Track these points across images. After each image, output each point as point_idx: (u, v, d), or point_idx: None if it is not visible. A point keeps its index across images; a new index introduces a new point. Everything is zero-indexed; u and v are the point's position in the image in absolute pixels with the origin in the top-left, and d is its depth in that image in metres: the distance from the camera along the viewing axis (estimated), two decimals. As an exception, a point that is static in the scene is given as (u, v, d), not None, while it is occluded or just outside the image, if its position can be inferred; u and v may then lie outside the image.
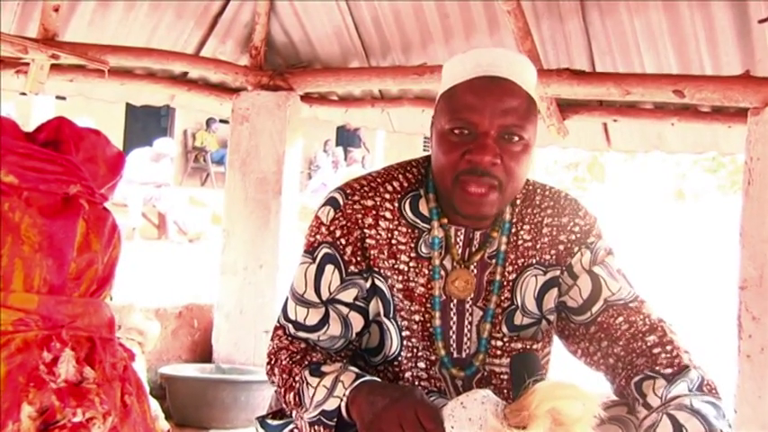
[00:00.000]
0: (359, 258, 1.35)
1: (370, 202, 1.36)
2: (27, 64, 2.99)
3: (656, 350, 1.29)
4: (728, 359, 2.65)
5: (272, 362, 1.37)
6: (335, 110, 3.77)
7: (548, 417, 1.06)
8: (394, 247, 1.36)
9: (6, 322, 1.32)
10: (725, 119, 2.89)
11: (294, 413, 1.34)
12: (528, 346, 1.38)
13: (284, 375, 1.33)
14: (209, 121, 12.18)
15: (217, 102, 3.73)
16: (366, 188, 1.37)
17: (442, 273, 1.36)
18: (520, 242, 1.39)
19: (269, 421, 1.43)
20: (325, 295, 1.36)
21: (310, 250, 1.37)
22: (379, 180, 1.39)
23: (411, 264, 1.36)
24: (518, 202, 1.40)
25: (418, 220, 1.37)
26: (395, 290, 1.36)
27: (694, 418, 1.16)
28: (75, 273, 1.39)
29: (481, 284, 1.37)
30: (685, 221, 12.63)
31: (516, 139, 1.29)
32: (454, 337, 1.37)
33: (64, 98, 6.58)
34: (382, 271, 1.36)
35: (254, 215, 3.50)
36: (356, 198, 1.36)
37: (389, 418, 1.15)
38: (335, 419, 1.24)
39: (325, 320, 1.36)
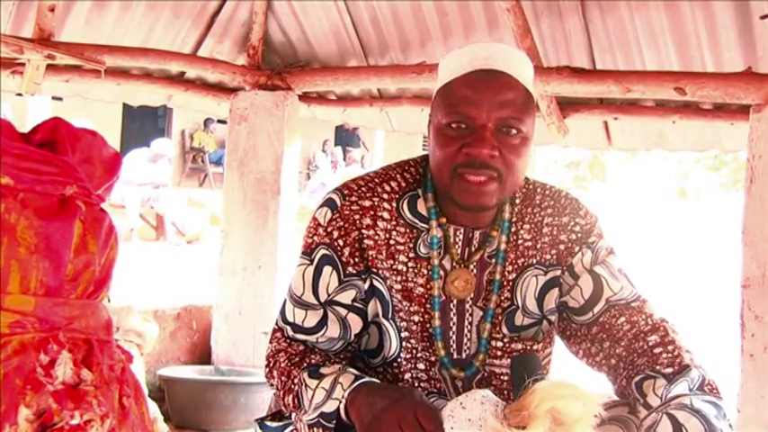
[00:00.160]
0: (357, 259, 1.35)
1: (367, 203, 1.36)
2: (23, 64, 3.00)
3: (657, 350, 1.29)
4: (731, 358, 2.65)
5: (271, 364, 1.37)
6: (334, 109, 3.77)
7: (548, 417, 1.06)
8: (392, 248, 1.36)
9: (3, 325, 1.32)
10: (727, 116, 2.89)
11: (293, 415, 1.34)
12: (528, 347, 1.38)
13: (283, 378, 1.33)
14: (206, 122, 12.18)
15: (214, 102, 3.73)
16: (364, 188, 1.37)
17: (442, 273, 1.36)
18: (520, 242, 1.39)
19: (268, 423, 1.43)
20: (323, 297, 1.36)
21: (308, 252, 1.38)
22: (376, 180, 1.39)
23: (410, 264, 1.36)
24: (518, 201, 1.40)
25: (417, 220, 1.37)
26: (393, 290, 1.36)
27: (694, 418, 1.16)
28: (72, 274, 1.39)
29: (481, 284, 1.37)
30: (687, 220, 12.63)
31: (514, 131, 1.29)
32: (454, 337, 1.37)
33: (60, 99, 6.58)
34: (381, 272, 1.36)
35: (253, 216, 3.50)
36: (354, 199, 1.36)
37: (389, 420, 1.15)
38: (334, 421, 1.24)
39: (323, 322, 1.36)
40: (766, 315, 2.54)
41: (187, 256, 6.96)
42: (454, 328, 1.37)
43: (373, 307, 1.37)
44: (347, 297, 1.35)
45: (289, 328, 1.38)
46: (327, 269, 1.35)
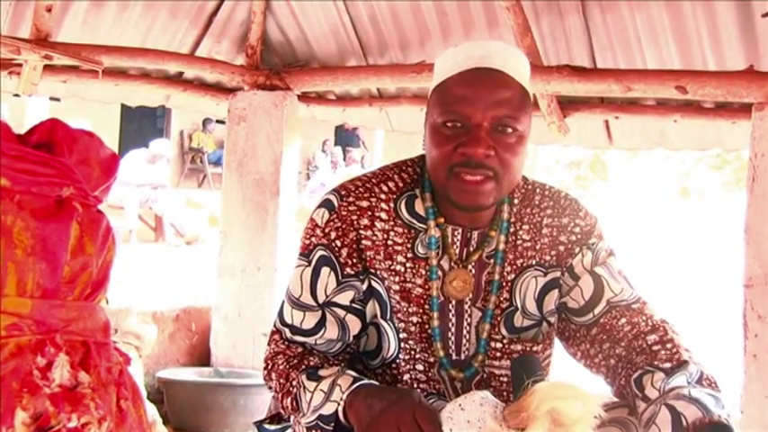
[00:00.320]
0: (355, 260, 1.35)
1: (365, 203, 1.36)
2: (20, 65, 3.00)
3: (655, 348, 1.30)
4: (734, 359, 2.65)
5: (269, 367, 1.37)
6: (333, 109, 3.77)
7: (547, 418, 1.06)
8: (390, 248, 1.36)
9: (-1, 327, 1.32)
10: (729, 115, 2.89)
11: (292, 418, 1.34)
12: (528, 348, 1.38)
13: (281, 380, 1.34)
14: (205, 122, 12.17)
15: (213, 102, 3.73)
16: (361, 189, 1.38)
17: (440, 273, 1.36)
18: (519, 242, 1.39)
19: (267, 426, 1.44)
20: (321, 298, 1.36)
21: (306, 253, 1.38)
22: (374, 180, 1.39)
23: (408, 264, 1.36)
24: (516, 201, 1.41)
25: (414, 221, 1.37)
26: (392, 291, 1.36)
27: (692, 406, 1.16)
28: (69, 276, 1.39)
29: (480, 284, 1.37)
30: (690, 219, 12.63)
31: (510, 130, 1.29)
32: (453, 338, 1.37)
33: (58, 99, 6.59)
34: (379, 272, 1.36)
35: (252, 217, 3.50)
36: (351, 199, 1.36)
37: (387, 422, 1.15)
38: (333, 423, 1.24)
39: (321, 324, 1.36)
40: (769, 315, 2.54)
41: (186, 257, 6.96)
42: (453, 329, 1.37)
43: (372, 308, 1.37)
44: (345, 298, 1.36)
45: (287, 329, 1.38)
46: (325, 270, 1.36)
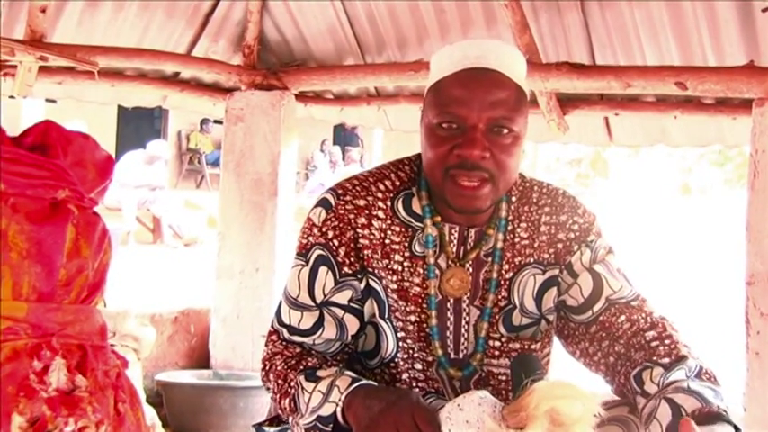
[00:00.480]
0: (352, 259, 1.36)
1: (362, 202, 1.37)
2: (14, 66, 3.00)
3: (654, 343, 1.30)
4: (737, 356, 2.65)
5: (267, 368, 1.38)
6: (331, 108, 3.77)
7: (546, 417, 1.06)
8: (388, 247, 1.36)
9: (-5, 331, 1.32)
10: (729, 111, 2.89)
11: (291, 419, 1.34)
12: (526, 347, 1.38)
13: (279, 381, 1.34)
14: (203, 123, 12.17)
15: (210, 102, 3.73)
16: (358, 188, 1.38)
17: (437, 272, 1.36)
18: (517, 240, 1.39)
19: (266, 428, 1.44)
20: (319, 298, 1.36)
21: (303, 252, 1.38)
22: (371, 179, 1.39)
23: (405, 263, 1.36)
24: (514, 199, 1.41)
25: (411, 219, 1.38)
26: (389, 290, 1.36)
27: (692, 398, 1.16)
28: (65, 279, 1.39)
29: (477, 283, 1.37)
30: (692, 216, 12.63)
31: (506, 131, 1.29)
32: (451, 337, 1.38)
33: (54, 101, 6.59)
34: (376, 271, 1.36)
35: (250, 217, 3.50)
36: (348, 198, 1.37)
37: (386, 422, 1.16)
38: (331, 425, 1.24)
39: (319, 323, 1.36)
40: (771, 312, 2.54)
41: (184, 258, 6.97)
42: (451, 328, 1.37)
43: (369, 307, 1.37)
44: (343, 297, 1.36)
45: (285, 330, 1.38)
46: (323, 270, 1.36)
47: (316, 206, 1.39)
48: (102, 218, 1.54)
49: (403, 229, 1.37)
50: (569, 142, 3.51)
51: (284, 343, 1.38)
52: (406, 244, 1.36)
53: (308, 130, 11.61)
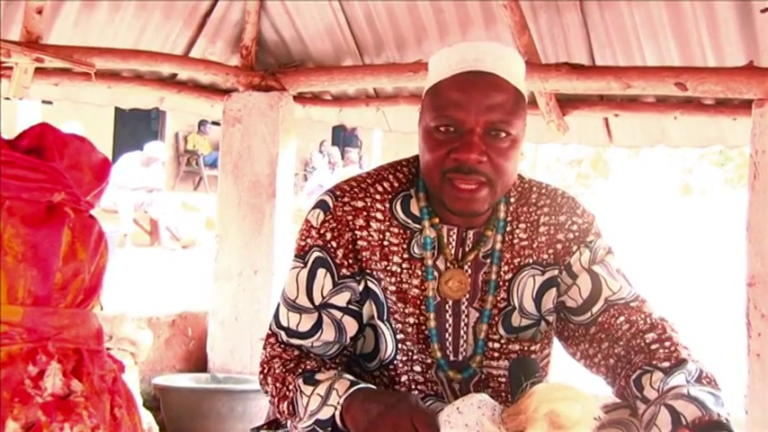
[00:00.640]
0: (351, 261, 1.36)
1: (360, 204, 1.37)
2: (10, 68, 2.99)
3: (654, 346, 1.30)
4: (738, 358, 2.65)
5: (265, 371, 1.38)
6: (329, 110, 3.77)
7: (546, 420, 1.06)
8: (386, 249, 1.36)
9: (-10, 335, 1.32)
10: (729, 111, 2.89)
11: (289, 423, 1.34)
12: (526, 348, 1.38)
13: (278, 384, 1.34)
14: (201, 124, 12.17)
15: (207, 103, 3.73)
16: (356, 189, 1.38)
17: (436, 273, 1.37)
18: (516, 241, 1.39)
19: (264, 432, 1.44)
20: (317, 300, 1.36)
21: (301, 254, 1.38)
22: (369, 181, 1.39)
23: (404, 265, 1.36)
24: (512, 200, 1.41)
25: (410, 221, 1.38)
26: (388, 292, 1.36)
27: (692, 405, 1.16)
28: (61, 283, 1.39)
29: (476, 284, 1.38)
30: (692, 217, 12.64)
31: (503, 135, 1.29)
32: (450, 339, 1.38)
33: (50, 102, 6.59)
34: (375, 273, 1.36)
35: (248, 219, 3.50)
36: (346, 200, 1.37)
37: (384, 426, 1.16)
38: (330, 428, 1.24)
39: (318, 326, 1.36)
40: (772, 313, 2.54)
41: (182, 261, 6.96)
42: (450, 330, 1.38)
43: (368, 309, 1.38)
44: (342, 299, 1.36)
45: (283, 332, 1.38)
46: (321, 271, 1.36)
47: (314, 208, 1.39)
48: (99, 220, 1.54)
49: (401, 231, 1.37)
50: (569, 143, 3.51)
51: (282, 346, 1.37)
52: (405, 245, 1.37)
53: (307, 131, 11.61)
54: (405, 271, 1.36)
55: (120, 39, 3.30)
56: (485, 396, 1.13)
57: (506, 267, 1.38)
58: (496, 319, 1.38)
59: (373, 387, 1.30)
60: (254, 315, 3.48)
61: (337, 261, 1.35)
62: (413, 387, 1.38)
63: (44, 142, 1.47)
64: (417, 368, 1.37)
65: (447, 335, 1.37)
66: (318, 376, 1.29)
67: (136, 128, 12.58)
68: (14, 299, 1.35)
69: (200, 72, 3.46)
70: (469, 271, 1.37)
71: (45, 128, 1.50)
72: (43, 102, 7.36)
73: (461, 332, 1.37)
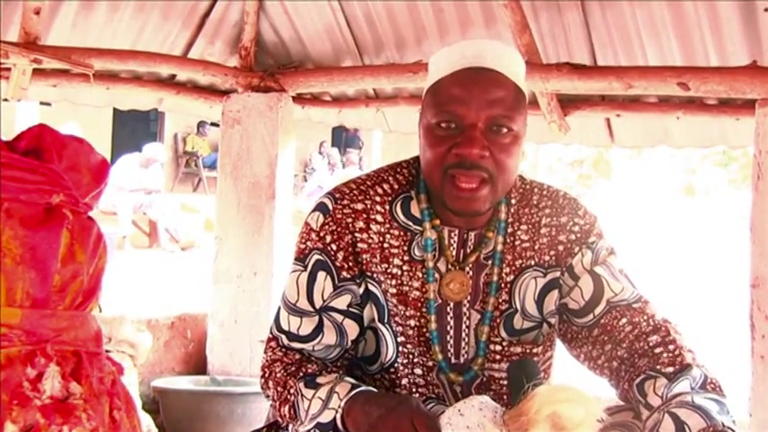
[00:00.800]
0: (351, 263, 1.36)
1: (360, 206, 1.37)
2: (8, 69, 3.00)
3: (657, 350, 1.30)
4: (742, 361, 2.65)
5: (266, 375, 1.38)
6: (329, 110, 3.77)
7: (548, 422, 1.06)
8: (386, 251, 1.36)
9: (-11, 338, 1.32)
10: (732, 111, 2.89)
11: (290, 427, 1.34)
12: (528, 350, 1.38)
13: (279, 388, 1.34)
14: (200, 125, 12.18)
15: (206, 104, 3.74)
16: (356, 191, 1.38)
17: (437, 275, 1.37)
18: (517, 242, 1.39)
19: (264, 435, 1.44)
20: (318, 303, 1.36)
21: (301, 257, 1.38)
22: (368, 183, 1.39)
23: (404, 267, 1.36)
24: (514, 201, 1.41)
25: (410, 223, 1.38)
26: (389, 294, 1.37)
27: (696, 414, 1.16)
28: (60, 285, 1.39)
29: (477, 286, 1.38)
30: (696, 218, 12.63)
31: (505, 130, 1.29)
32: (451, 341, 1.38)
33: (49, 104, 6.59)
34: (375, 275, 1.36)
35: (247, 221, 3.50)
36: (346, 202, 1.37)
37: (385, 429, 1.16)
38: (331, 431, 1.24)
39: (319, 329, 1.36)
40: (776, 315, 2.53)
41: (181, 263, 6.97)
42: (451, 332, 1.38)
43: (369, 312, 1.38)
44: (342, 302, 1.36)
45: (284, 336, 1.38)
46: (321, 275, 1.36)
47: (313, 211, 1.39)
48: (98, 222, 1.54)
49: (402, 233, 1.37)
50: (571, 143, 3.51)
51: (283, 350, 1.38)
52: (405, 248, 1.37)
53: (306, 132, 11.62)
54: (405, 273, 1.36)
55: (118, 39, 3.30)
56: (486, 398, 1.13)
57: (508, 269, 1.38)
58: (498, 321, 1.38)
59: (374, 390, 1.30)
60: (253, 317, 3.48)
61: (337, 264, 1.35)
62: (414, 390, 1.38)
63: (42, 144, 1.47)
64: (418, 371, 1.37)
65: (448, 337, 1.37)
66: (319, 380, 1.29)
67: (134, 129, 12.59)
68: (13, 301, 1.35)
69: (199, 73, 3.46)
70: (471, 273, 1.37)
71: (43, 129, 1.50)
72: (41, 103, 7.37)
73: (463, 334, 1.37)
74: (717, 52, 2.76)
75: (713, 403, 1.19)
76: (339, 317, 1.36)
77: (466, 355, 1.38)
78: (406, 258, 1.36)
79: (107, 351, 1.58)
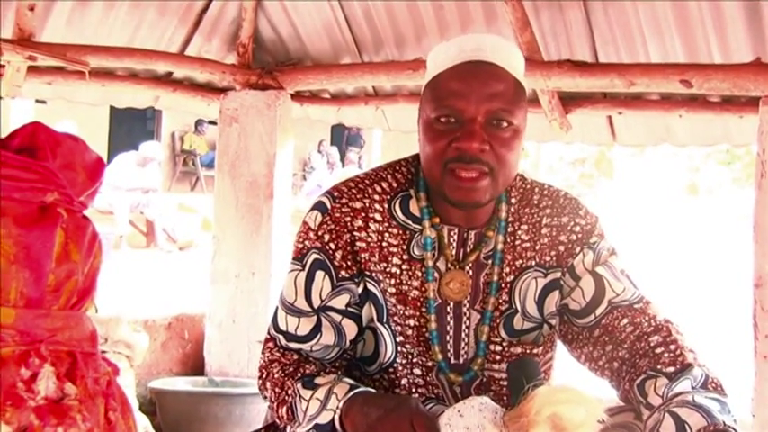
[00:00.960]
0: (349, 263, 1.36)
1: (358, 204, 1.37)
2: (2, 66, 3.00)
3: (658, 350, 1.30)
4: (745, 360, 2.65)
5: (264, 375, 1.38)
6: (328, 108, 3.77)
7: (548, 423, 1.06)
8: (385, 250, 1.36)
9: (-18, 338, 1.32)
10: (736, 109, 2.89)
11: (288, 428, 1.34)
12: (528, 351, 1.38)
13: (276, 389, 1.34)
14: (197, 123, 12.18)
15: (203, 102, 3.73)
16: (354, 190, 1.38)
17: (436, 275, 1.37)
18: (517, 242, 1.39)
19: (262, 436, 1.44)
20: (316, 303, 1.36)
21: (299, 257, 1.38)
22: (367, 181, 1.40)
23: (403, 266, 1.36)
24: (514, 201, 1.41)
25: (409, 221, 1.38)
26: (387, 294, 1.37)
27: (696, 413, 1.16)
28: (54, 285, 1.39)
29: (477, 286, 1.38)
30: (699, 217, 12.64)
31: (505, 124, 1.30)
32: (451, 341, 1.38)
33: (44, 102, 6.60)
34: (374, 274, 1.36)
35: (245, 220, 3.50)
36: (344, 201, 1.37)
37: (384, 430, 1.16)
38: (329, 433, 1.24)
39: (317, 329, 1.36)
40: (780, 315, 2.54)
41: (179, 263, 6.97)
42: (451, 332, 1.38)
43: (368, 311, 1.38)
44: (341, 302, 1.36)
45: (281, 336, 1.38)
46: (320, 274, 1.36)
47: (311, 210, 1.39)
48: (93, 221, 1.54)
49: (401, 232, 1.37)
50: (572, 142, 3.51)
51: (281, 350, 1.38)
52: (404, 246, 1.37)
53: (305, 130, 11.62)
54: (404, 272, 1.36)
55: (114, 36, 3.30)
56: (486, 399, 1.13)
57: (508, 269, 1.38)
58: (498, 321, 1.38)
59: (373, 390, 1.30)
60: (251, 317, 3.48)
61: (336, 263, 1.35)
62: (413, 390, 1.38)
63: (36, 141, 1.47)
64: (418, 371, 1.37)
65: (448, 337, 1.37)
66: (317, 380, 1.29)
67: (131, 127, 12.59)
68: (6, 301, 1.35)
69: (196, 70, 3.46)
70: (470, 272, 1.37)
71: (37, 127, 1.50)
72: (36, 101, 7.38)
73: (462, 334, 1.37)
74: (720, 49, 2.76)
75: (714, 402, 1.19)
76: (337, 316, 1.36)
77: (465, 356, 1.38)
78: (405, 257, 1.36)
79: (103, 352, 1.58)
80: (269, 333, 1.41)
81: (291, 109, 3.59)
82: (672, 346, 1.30)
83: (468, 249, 1.38)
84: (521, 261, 1.39)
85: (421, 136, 1.34)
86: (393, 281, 1.36)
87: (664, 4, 2.76)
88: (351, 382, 1.28)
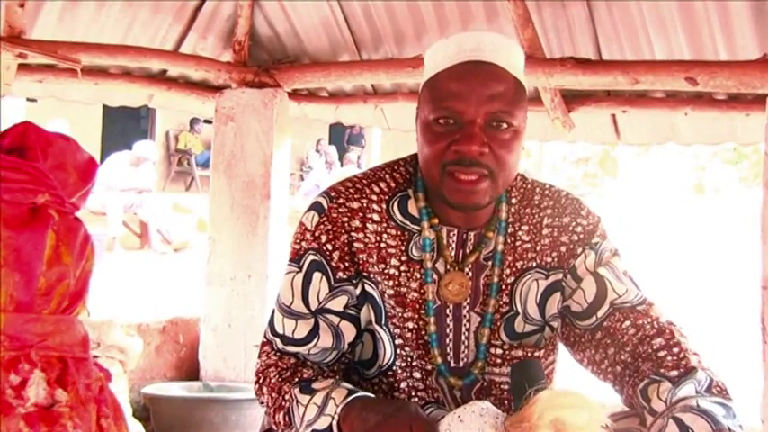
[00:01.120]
0: (347, 264, 1.36)
1: (356, 205, 1.37)
2: (-7, 65, 3.00)
3: (661, 353, 1.30)
4: (753, 364, 2.65)
5: (261, 380, 1.38)
6: (326, 107, 3.77)
7: (550, 428, 1.06)
8: (383, 251, 1.36)
9: (-29, 343, 1.32)
10: (742, 107, 2.89)
11: (286, 434, 1.34)
12: (529, 354, 1.38)
13: (273, 394, 1.34)
14: (193, 122, 12.18)
15: (199, 101, 3.73)
16: (351, 190, 1.38)
17: (435, 276, 1.37)
18: (518, 243, 1.39)
19: (258, 443, 1.44)
20: (313, 305, 1.36)
21: (296, 258, 1.38)
22: (364, 181, 1.40)
23: (402, 268, 1.36)
24: (515, 201, 1.41)
25: (408, 222, 1.38)
26: (386, 295, 1.37)
27: (701, 419, 1.16)
28: (45, 288, 1.39)
29: (477, 288, 1.38)
30: (706, 217, 12.64)
31: (505, 126, 1.30)
32: (451, 344, 1.38)
33: (35, 100, 6.60)
34: (372, 276, 1.36)
35: (241, 221, 3.50)
36: (341, 201, 1.37)
37: (383, 435, 1.16)
38: (327, 439, 1.24)
39: (314, 332, 1.36)
40: (788, 317, 2.53)
41: (173, 265, 6.97)
42: (451, 335, 1.38)
43: (366, 313, 1.38)
44: (339, 304, 1.36)
45: (278, 340, 1.38)
46: (317, 275, 1.36)
47: (308, 210, 1.39)
48: (85, 223, 1.54)
49: (399, 233, 1.37)
50: (575, 141, 3.51)
51: (278, 354, 1.38)
52: (403, 248, 1.37)
53: (303, 129, 11.62)
54: (403, 274, 1.36)
55: (107, 33, 3.30)
56: (487, 404, 1.13)
57: (509, 270, 1.38)
58: (498, 323, 1.38)
59: (371, 395, 1.30)
60: (247, 321, 3.48)
61: (333, 264, 1.36)
62: (413, 394, 1.38)
63: (27, 141, 1.47)
64: (417, 374, 1.37)
65: (447, 340, 1.37)
66: (315, 385, 1.29)
67: (125, 126, 12.59)
68: (-4, 305, 1.35)
69: (191, 68, 3.46)
70: (470, 274, 1.37)
71: (28, 127, 1.50)
72: (27, 99, 7.37)
73: (462, 337, 1.37)
74: (726, 46, 2.76)
75: (719, 407, 1.19)
76: (335, 319, 1.36)
77: (466, 359, 1.38)
78: (403, 258, 1.36)
79: (95, 357, 1.58)
80: (265, 337, 1.41)
81: (288, 107, 3.59)
82: (675, 349, 1.30)
83: (468, 250, 1.38)
84: (521, 262, 1.39)
85: (419, 137, 1.34)
86: (391, 282, 1.36)
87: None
88: (349, 386, 1.28)
